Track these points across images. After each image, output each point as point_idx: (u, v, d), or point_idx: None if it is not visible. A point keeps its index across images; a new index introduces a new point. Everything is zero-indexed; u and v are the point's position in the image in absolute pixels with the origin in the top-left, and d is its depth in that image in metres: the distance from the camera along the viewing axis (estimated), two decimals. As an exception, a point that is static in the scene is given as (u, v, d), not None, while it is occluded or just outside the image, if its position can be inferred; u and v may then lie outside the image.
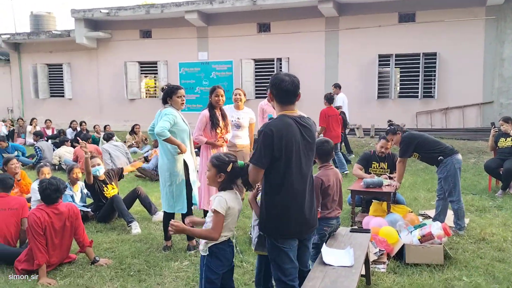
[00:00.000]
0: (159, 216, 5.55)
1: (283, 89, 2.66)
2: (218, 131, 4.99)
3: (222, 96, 5.01)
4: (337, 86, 11.11)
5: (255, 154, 2.60)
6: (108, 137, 9.69)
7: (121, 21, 16.09)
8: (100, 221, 5.56)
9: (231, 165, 2.79)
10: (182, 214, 4.48)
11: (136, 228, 5.16)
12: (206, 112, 5.08)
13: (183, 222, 4.47)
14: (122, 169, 6.38)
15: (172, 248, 4.55)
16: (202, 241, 2.84)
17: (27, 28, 20.11)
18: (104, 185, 5.74)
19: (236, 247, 3.12)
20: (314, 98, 11.53)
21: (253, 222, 3.21)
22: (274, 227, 2.68)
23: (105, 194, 5.68)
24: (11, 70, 18.50)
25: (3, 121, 15.53)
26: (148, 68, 16.77)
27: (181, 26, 15.40)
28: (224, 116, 5.17)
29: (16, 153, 9.87)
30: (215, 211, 2.71)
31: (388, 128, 5.47)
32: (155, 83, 18.02)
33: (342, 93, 11.01)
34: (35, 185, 5.87)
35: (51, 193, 3.99)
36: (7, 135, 11.92)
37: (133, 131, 12.50)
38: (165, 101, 4.52)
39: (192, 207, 4.57)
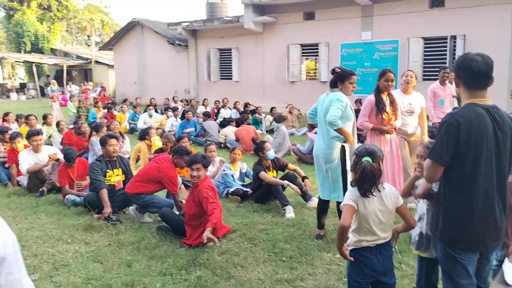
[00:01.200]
0: (313, 202, 5.46)
1: (474, 71, 2.20)
2: (384, 117, 4.64)
3: (392, 80, 4.64)
4: None
5: (435, 148, 2.22)
6: (281, 119, 9.92)
7: (286, 4, 16.37)
8: (257, 201, 5.72)
9: (353, 157, 2.56)
10: (337, 202, 4.30)
11: (290, 212, 5.16)
12: (371, 97, 4.77)
13: (338, 210, 4.35)
14: (287, 165, 6.10)
15: (325, 238, 4.41)
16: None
17: (203, 16, 22.06)
18: (267, 171, 5.81)
19: (393, 246, 2.79)
20: (496, 84, 9.98)
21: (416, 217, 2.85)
22: (452, 234, 2.29)
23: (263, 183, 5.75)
24: (189, 55, 20.58)
25: (181, 101, 17.35)
26: (309, 50, 16.80)
27: (345, 6, 14.94)
28: (392, 101, 4.77)
29: (193, 129, 11.02)
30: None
31: None
32: (315, 65, 18.00)
33: None
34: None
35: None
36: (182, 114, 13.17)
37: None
38: (334, 84, 4.28)
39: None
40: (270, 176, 5.75)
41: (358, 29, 15.04)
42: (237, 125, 10.82)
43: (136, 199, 5.03)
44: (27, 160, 6.36)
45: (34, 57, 28.89)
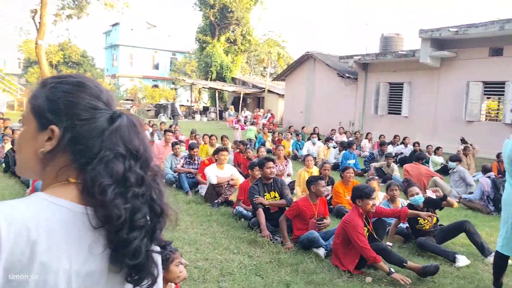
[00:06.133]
0: (493, 258, 4.83)
1: None
2: None
3: None
4: None
5: None
6: (456, 159, 9.09)
7: (469, 39, 15.19)
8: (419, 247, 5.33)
9: None
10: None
11: (461, 261, 4.64)
12: None
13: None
14: (443, 204, 5.47)
15: (503, 298, 3.86)
16: None
17: (376, 49, 21.92)
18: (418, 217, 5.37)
19: None
20: None
21: None
22: None
23: (417, 227, 5.36)
24: (357, 87, 20.60)
25: (345, 132, 17.39)
26: (493, 88, 15.18)
27: (543, 41, 13.17)
28: None
29: (354, 160, 10.91)
30: None
31: None
32: (498, 106, 16.14)
33: None
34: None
35: None
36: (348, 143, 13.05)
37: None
38: None
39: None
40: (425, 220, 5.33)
41: (559, 67, 13.05)
42: (403, 162, 10.35)
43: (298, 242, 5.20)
44: (214, 173, 7.14)
45: (218, 84, 32.53)
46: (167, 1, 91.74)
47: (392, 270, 4.17)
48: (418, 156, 9.42)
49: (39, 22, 23.15)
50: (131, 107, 30.87)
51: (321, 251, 4.84)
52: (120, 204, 0.92)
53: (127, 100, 35.78)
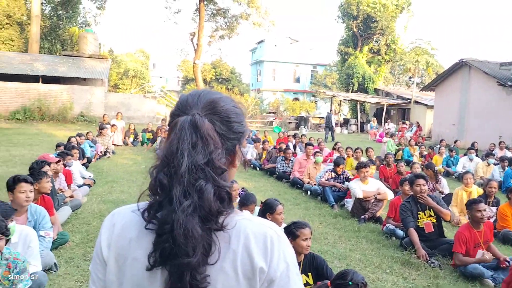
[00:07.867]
0: None
1: None
2: None
3: None
4: None
5: None
6: None
7: None
8: None
9: None
10: None
11: None
12: None
13: None
14: None
15: None
16: None
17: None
18: None
19: None
20: None
21: None
22: None
23: None
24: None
25: (507, 148, 15.34)
26: None
27: None
28: None
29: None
30: None
31: None
32: None
33: None
34: None
35: None
36: None
37: None
38: None
39: None
40: None
41: None
42: None
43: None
44: (359, 187, 7.01)
45: (359, 96, 31.90)
46: (310, 15, 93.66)
47: None
48: None
49: (197, 44, 25.75)
50: (273, 119, 32.15)
51: (490, 282, 4.34)
52: None
53: (269, 113, 37.37)
